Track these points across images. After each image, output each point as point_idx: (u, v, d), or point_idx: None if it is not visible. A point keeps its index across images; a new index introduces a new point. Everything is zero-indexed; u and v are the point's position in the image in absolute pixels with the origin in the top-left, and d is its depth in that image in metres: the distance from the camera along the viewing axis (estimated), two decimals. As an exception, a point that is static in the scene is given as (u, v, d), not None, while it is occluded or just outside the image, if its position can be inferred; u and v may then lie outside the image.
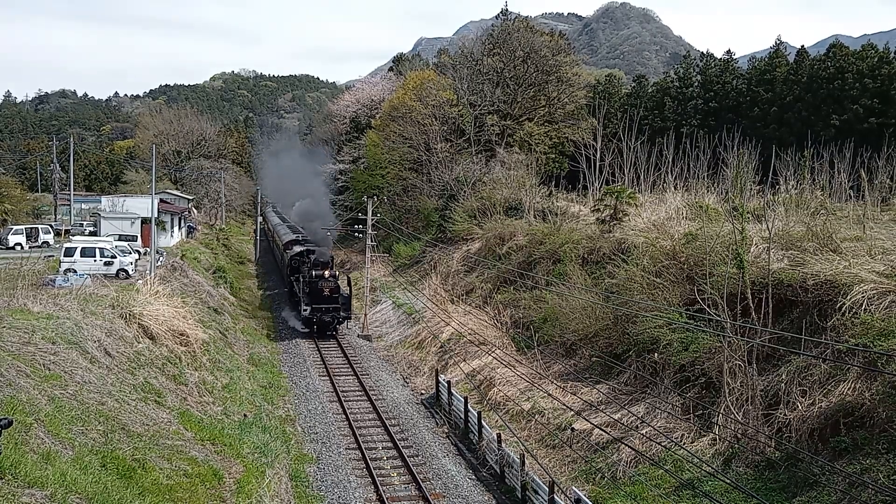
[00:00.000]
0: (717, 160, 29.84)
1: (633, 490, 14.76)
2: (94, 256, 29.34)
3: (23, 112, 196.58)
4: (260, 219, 65.22)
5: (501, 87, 53.10)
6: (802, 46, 54.74)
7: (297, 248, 39.32)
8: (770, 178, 24.66)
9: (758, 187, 25.11)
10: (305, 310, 32.27)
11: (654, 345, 18.05)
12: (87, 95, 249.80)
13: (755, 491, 12.95)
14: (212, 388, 20.16)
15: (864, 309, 14.17)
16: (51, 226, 44.89)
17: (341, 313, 32.95)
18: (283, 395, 24.12)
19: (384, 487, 16.85)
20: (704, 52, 61.67)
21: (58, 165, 54.58)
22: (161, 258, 34.15)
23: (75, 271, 27.02)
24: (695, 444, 15.24)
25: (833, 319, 14.64)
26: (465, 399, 21.12)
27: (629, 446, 15.78)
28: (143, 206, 41.76)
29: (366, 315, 35.09)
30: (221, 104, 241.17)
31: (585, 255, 26.61)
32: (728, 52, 59.06)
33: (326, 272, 32.80)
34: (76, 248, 30.03)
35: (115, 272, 29.09)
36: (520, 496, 16.18)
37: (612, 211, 27.32)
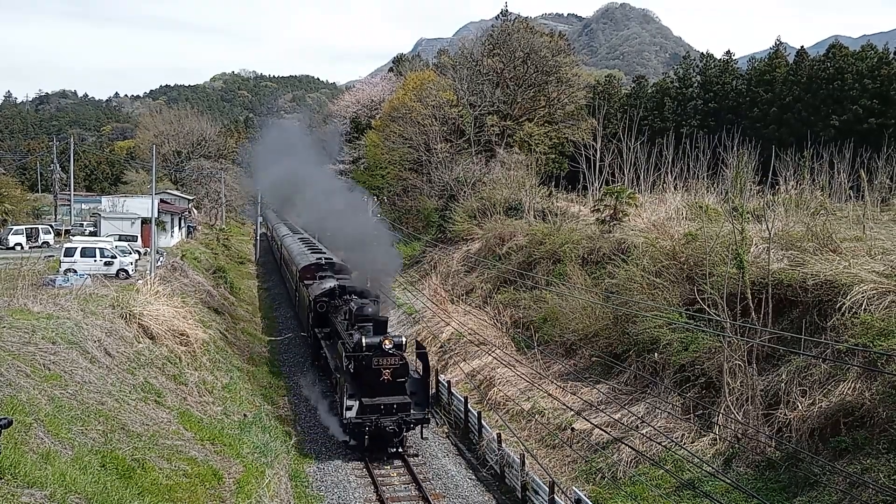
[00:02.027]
0: (716, 160, 29.83)
1: (633, 490, 14.76)
2: (95, 256, 29.36)
3: (23, 112, 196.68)
4: (260, 218, 65.12)
5: (501, 88, 53.11)
6: (802, 47, 54.83)
7: (325, 283, 26.29)
8: (770, 179, 24.67)
9: (758, 187, 25.11)
10: (350, 408, 18.26)
11: (654, 345, 18.04)
12: (87, 96, 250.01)
13: (755, 491, 12.94)
14: (212, 388, 20.17)
15: (864, 309, 14.17)
16: (51, 226, 44.90)
17: (413, 413, 18.67)
18: (282, 395, 24.10)
19: (384, 487, 16.84)
20: (704, 53, 61.72)
21: (58, 166, 54.59)
22: (161, 258, 34.16)
23: (75, 271, 27.04)
24: (695, 444, 15.23)
25: (833, 319, 14.64)
26: (465, 399, 21.11)
27: (629, 446, 15.77)
28: (144, 206, 41.76)
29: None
30: (222, 104, 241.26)
31: (585, 256, 26.61)
32: (728, 52, 59.13)
33: (387, 342, 18.57)
34: (76, 248, 30.06)
35: (115, 272, 29.11)
36: (520, 496, 16.17)
37: (611, 211, 27.31)
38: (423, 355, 20.11)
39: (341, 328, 21.86)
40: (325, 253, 33.05)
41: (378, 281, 23.10)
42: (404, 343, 19.59)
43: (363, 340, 18.66)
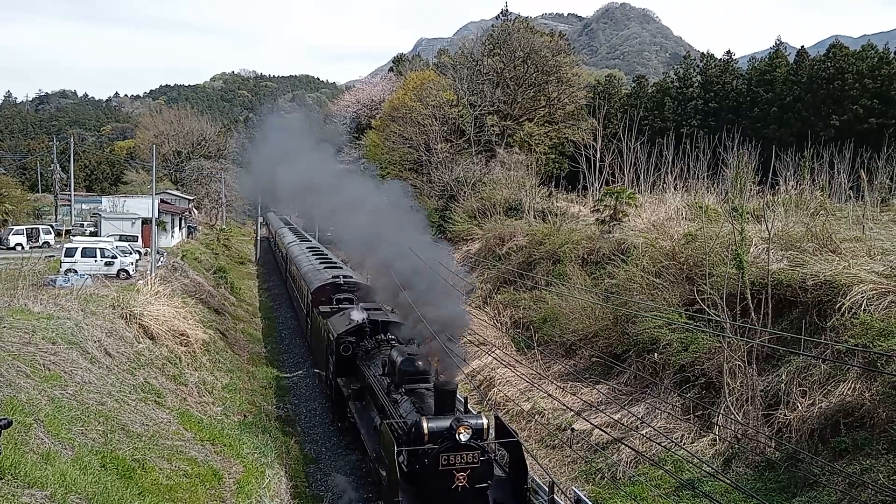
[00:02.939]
0: (717, 160, 29.85)
1: (633, 490, 14.77)
2: (95, 257, 29.41)
3: (23, 112, 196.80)
4: (260, 219, 65.13)
5: (501, 88, 53.12)
6: (802, 47, 54.84)
7: (350, 315, 19.68)
8: (770, 179, 24.68)
9: (758, 187, 25.11)
10: None
11: (653, 345, 18.05)
12: (87, 96, 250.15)
13: (755, 491, 12.95)
14: (212, 389, 20.18)
15: (864, 309, 14.18)
16: (51, 226, 45.00)
17: None
18: (283, 395, 24.11)
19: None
20: (704, 53, 61.69)
21: (58, 166, 54.67)
22: (161, 258, 34.18)
23: (76, 271, 27.07)
24: (695, 444, 15.24)
25: (833, 320, 14.64)
26: (465, 399, 21.06)
27: (629, 447, 15.78)
28: (144, 206, 41.82)
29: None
30: (221, 104, 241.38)
31: (585, 256, 26.63)
32: (728, 52, 59.12)
33: (462, 431, 11.40)
34: (77, 248, 30.11)
35: (115, 272, 29.15)
36: (520, 496, 16.13)
37: (611, 211, 27.33)
38: (515, 445, 12.28)
39: (378, 387, 15.57)
40: (341, 268, 27.59)
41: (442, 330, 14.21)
42: (486, 427, 12.17)
43: (424, 425, 11.80)
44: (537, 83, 53.68)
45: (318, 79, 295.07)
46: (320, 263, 29.55)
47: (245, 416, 19.50)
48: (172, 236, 46.46)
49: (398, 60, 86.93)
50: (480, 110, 51.71)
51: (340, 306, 21.91)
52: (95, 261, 29.10)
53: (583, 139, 44.53)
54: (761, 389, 15.06)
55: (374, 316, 19.30)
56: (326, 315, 21.57)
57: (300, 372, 25.61)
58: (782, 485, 12.97)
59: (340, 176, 22.38)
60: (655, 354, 17.87)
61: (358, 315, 19.56)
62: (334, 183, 20.70)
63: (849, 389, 13.30)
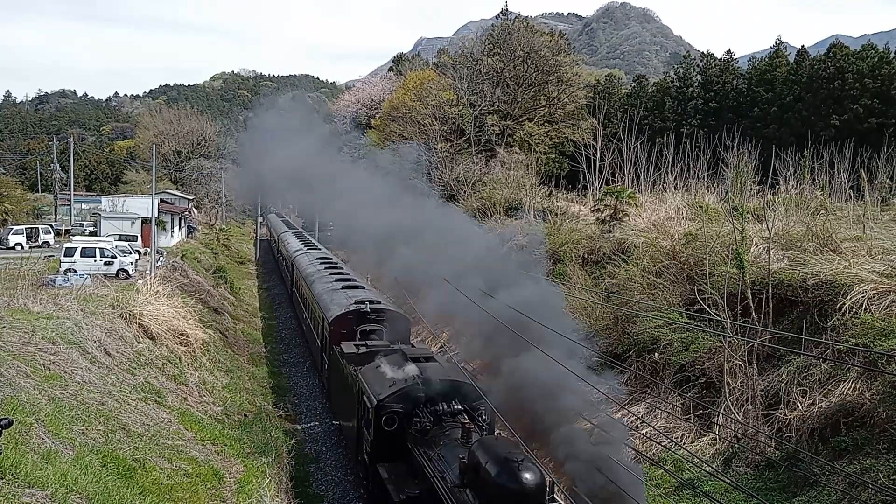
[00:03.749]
0: (717, 160, 29.87)
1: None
2: (95, 256, 29.41)
3: (23, 112, 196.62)
4: (260, 218, 65.08)
5: (501, 87, 53.10)
6: (802, 46, 54.85)
7: (391, 369, 14.08)
8: (770, 178, 24.70)
9: (758, 187, 25.15)
10: None
11: (654, 345, 18.06)
12: (87, 95, 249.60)
13: (755, 491, 12.95)
14: (212, 388, 20.17)
15: (865, 309, 14.18)
16: (51, 226, 45.00)
17: None
18: (283, 395, 24.11)
19: (384, 487, 16.75)
20: (704, 52, 61.65)
21: (58, 165, 54.70)
22: (161, 258, 34.17)
23: (75, 271, 27.06)
24: (695, 444, 15.25)
25: (833, 319, 14.65)
26: None
27: (629, 446, 15.77)
28: (144, 206, 41.81)
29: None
30: (221, 104, 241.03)
31: (585, 255, 26.63)
32: (728, 52, 59.05)
33: None
34: (76, 248, 30.12)
35: (115, 272, 29.15)
36: (520, 496, 16.08)
37: (612, 211, 27.33)
38: None
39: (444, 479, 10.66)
40: (363, 287, 23.64)
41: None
42: None
43: None
44: (537, 83, 53.65)
45: (318, 79, 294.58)
46: (336, 281, 24.84)
47: (245, 415, 19.49)
48: (172, 236, 46.46)
49: (398, 60, 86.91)
50: (480, 110, 51.69)
51: (368, 344, 17.27)
52: (95, 260, 29.10)
53: (583, 139, 44.53)
54: (761, 389, 15.06)
55: (431, 373, 13.34)
56: (353, 360, 16.16)
57: (314, 423, 21.44)
58: (782, 484, 12.97)
59: (343, 168, 19.26)
60: (656, 354, 17.87)
61: (404, 370, 13.80)
62: (333, 174, 17.75)
63: (849, 389, 13.31)
